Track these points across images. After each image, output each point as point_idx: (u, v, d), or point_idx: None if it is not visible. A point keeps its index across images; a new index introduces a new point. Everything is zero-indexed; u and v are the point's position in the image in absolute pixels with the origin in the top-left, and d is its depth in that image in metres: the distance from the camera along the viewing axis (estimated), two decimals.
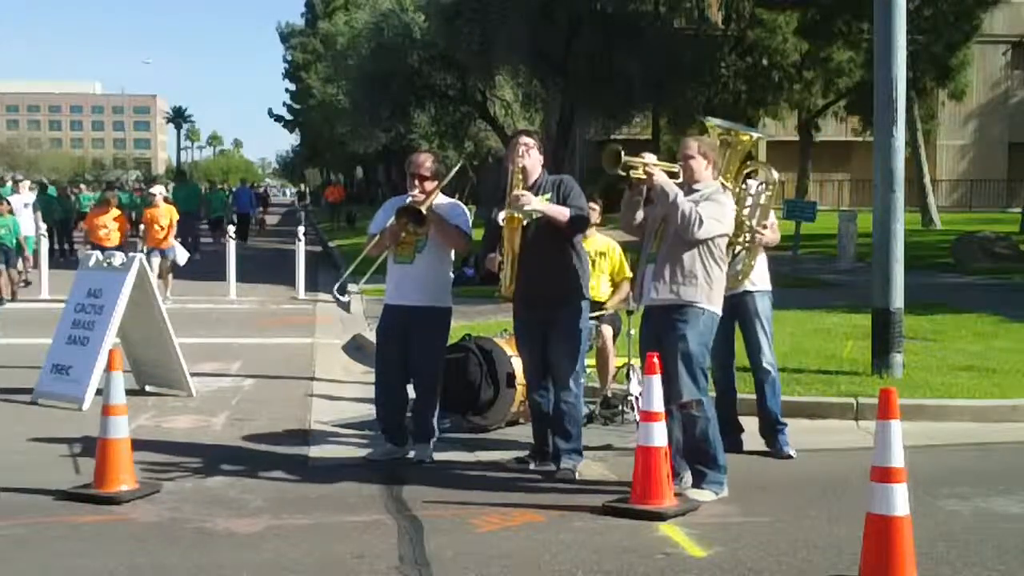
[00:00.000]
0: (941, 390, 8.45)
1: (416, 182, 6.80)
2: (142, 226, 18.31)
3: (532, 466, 6.56)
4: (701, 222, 5.78)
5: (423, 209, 6.62)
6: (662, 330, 5.96)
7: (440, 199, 6.89)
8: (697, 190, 6.03)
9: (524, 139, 6.58)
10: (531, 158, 6.51)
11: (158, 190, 17.27)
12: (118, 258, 9.02)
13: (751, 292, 6.83)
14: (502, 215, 6.45)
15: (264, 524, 5.46)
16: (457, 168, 7.32)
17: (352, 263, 7.71)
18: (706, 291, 5.90)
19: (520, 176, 6.44)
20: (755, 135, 6.75)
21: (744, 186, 6.69)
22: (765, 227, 6.66)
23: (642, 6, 30.09)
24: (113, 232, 16.15)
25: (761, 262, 6.88)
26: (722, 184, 6.27)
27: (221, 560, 4.94)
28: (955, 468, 6.74)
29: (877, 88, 9.26)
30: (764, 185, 6.72)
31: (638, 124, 36.83)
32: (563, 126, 30.35)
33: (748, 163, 6.73)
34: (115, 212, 16.73)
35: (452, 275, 7.08)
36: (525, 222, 6.41)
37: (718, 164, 6.23)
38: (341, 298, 7.59)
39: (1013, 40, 44.26)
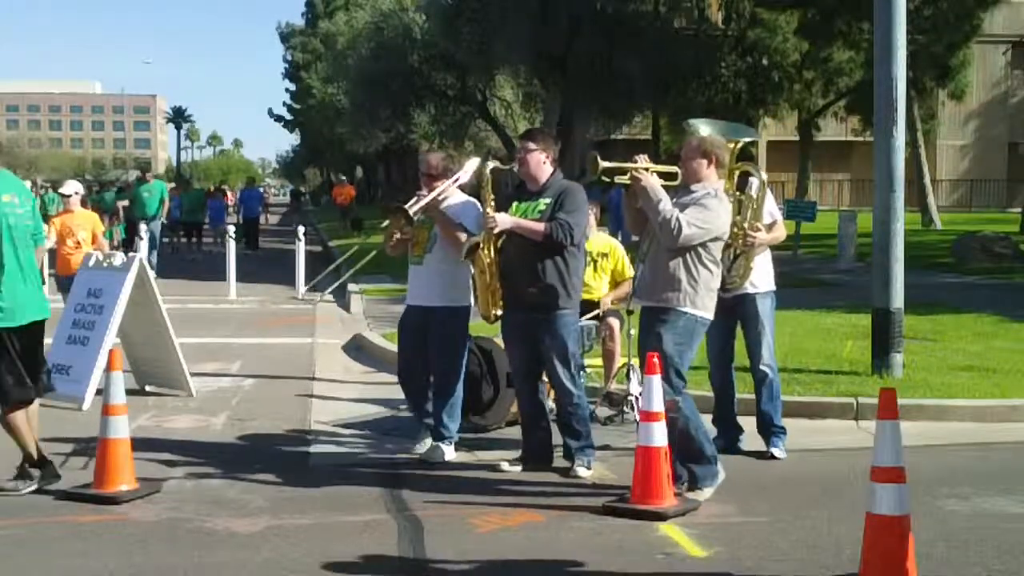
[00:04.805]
0: (941, 390, 8.45)
1: (425, 180, 6.79)
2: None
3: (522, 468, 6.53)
4: (680, 229, 5.66)
5: (409, 208, 6.55)
6: (646, 329, 5.96)
7: (455, 197, 6.81)
8: (694, 191, 5.93)
9: (523, 143, 6.52)
10: (530, 164, 6.43)
11: (72, 188, 11.52)
12: (118, 258, 9.03)
13: (751, 294, 6.79)
14: (466, 246, 6.37)
15: (264, 524, 5.46)
16: (476, 165, 6.94)
17: (333, 266, 7.74)
18: (690, 295, 5.80)
19: (491, 195, 6.37)
20: (743, 140, 6.54)
21: (748, 187, 6.57)
22: (759, 228, 6.56)
23: (642, 6, 30.14)
24: None
25: (764, 263, 6.81)
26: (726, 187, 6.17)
27: (221, 560, 4.95)
28: (955, 468, 6.73)
29: (877, 88, 9.26)
30: (761, 186, 6.64)
31: (638, 124, 36.86)
32: (563, 126, 30.36)
33: (738, 164, 6.54)
34: None
35: (470, 273, 6.92)
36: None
37: (724, 162, 6.06)
38: (322, 295, 7.67)
39: (1013, 40, 44.34)
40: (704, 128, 6.49)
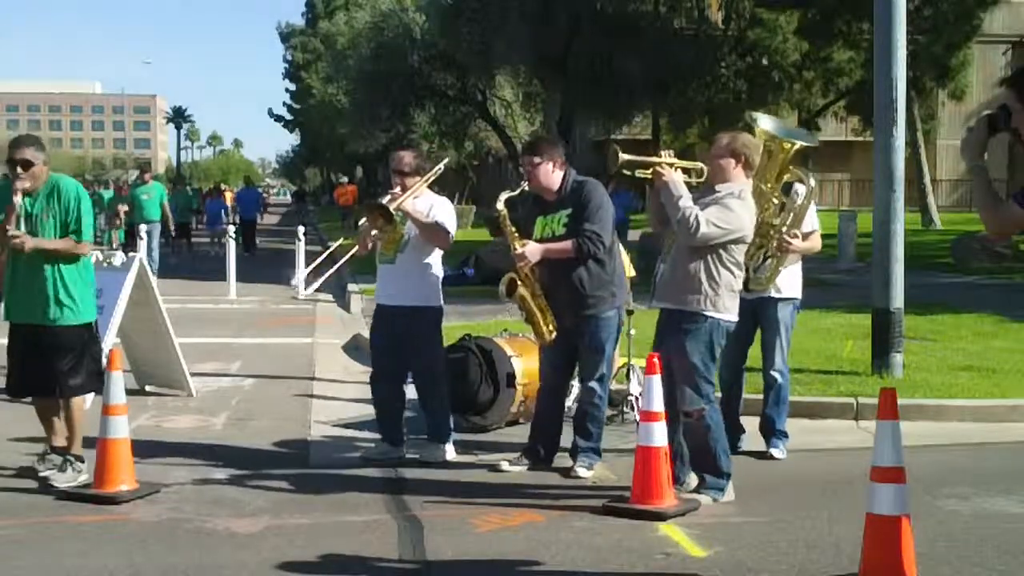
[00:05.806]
0: (941, 390, 8.45)
1: (397, 178, 6.73)
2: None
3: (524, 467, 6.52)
4: (697, 226, 5.58)
5: (389, 206, 6.51)
6: (666, 333, 5.89)
7: (426, 196, 6.77)
8: (718, 191, 5.83)
9: (527, 159, 6.47)
10: (540, 177, 6.40)
11: None
12: (118, 258, 9.02)
13: (775, 299, 6.73)
14: (502, 285, 6.35)
15: (264, 524, 5.46)
16: (441, 165, 7.03)
17: (322, 258, 7.74)
18: (711, 297, 5.73)
19: (512, 229, 6.36)
20: (800, 143, 6.41)
21: (795, 192, 6.51)
22: (796, 235, 6.46)
23: (642, 6, 30.09)
24: None
25: (793, 270, 6.75)
26: (760, 187, 6.10)
27: (221, 560, 4.95)
28: (955, 468, 6.74)
29: (877, 88, 9.26)
30: (808, 193, 6.53)
31: (638, 124, 36.83)
32: (563, 126, 30.35)
33: (790, 169, 6.45)
34: None
35: (441, 273, 6.90)
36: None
37: (754, 164, 5.94)
38: (297, 284, 7.66)
39: (1013, 40, 44.26)
40: (765, 122, 6.44)
